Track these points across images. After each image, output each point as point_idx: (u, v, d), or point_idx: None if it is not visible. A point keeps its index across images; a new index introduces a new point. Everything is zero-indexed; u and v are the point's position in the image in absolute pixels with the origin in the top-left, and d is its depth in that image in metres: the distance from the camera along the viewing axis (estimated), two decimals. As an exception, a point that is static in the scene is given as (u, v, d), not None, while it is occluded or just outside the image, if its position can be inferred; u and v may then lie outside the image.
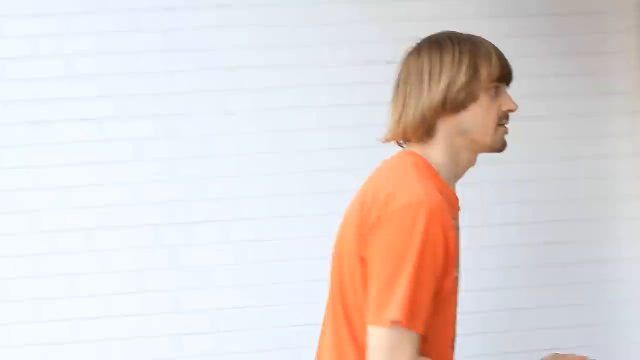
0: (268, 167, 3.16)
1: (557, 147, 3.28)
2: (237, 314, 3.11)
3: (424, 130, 1.81)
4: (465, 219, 3.25)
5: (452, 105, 1.79)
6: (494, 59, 1.80)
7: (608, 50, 3.30)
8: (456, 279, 1.77)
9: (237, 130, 3.15)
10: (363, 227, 1.71)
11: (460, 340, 3.24)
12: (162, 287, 3.09)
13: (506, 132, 1.84)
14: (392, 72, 3.19)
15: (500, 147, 1.84)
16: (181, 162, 3.12)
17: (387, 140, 1.89)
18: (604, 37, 3.31)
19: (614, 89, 3.30)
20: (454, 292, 1.76)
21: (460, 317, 3.21)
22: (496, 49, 1.84)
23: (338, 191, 3.17)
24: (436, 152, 1.83)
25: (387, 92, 3.22)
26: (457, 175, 1.87)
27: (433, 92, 1.80)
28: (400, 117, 1.84)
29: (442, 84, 1.79)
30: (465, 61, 1.79)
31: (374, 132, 3.19)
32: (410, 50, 1.92)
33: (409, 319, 1.62)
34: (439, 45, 1.84)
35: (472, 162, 1.87)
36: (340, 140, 3.18)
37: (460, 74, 1.79)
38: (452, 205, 1.81)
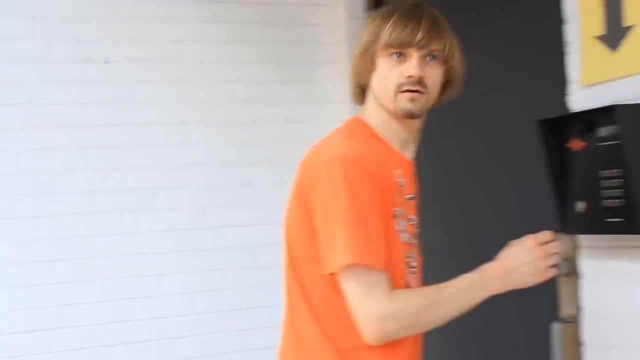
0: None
1: (270, 151, 3.38)
2: None
3: (356, 95, 1.86)
4: (185, 221, 3.27)
5: (358, 72, 1.81)
6: (390, 25, 1.74)
7: (320, 61, 3.46)
8: (409, 223, 1.76)
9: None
10: (302, 197, 1.73)
11: (177, 341, 3.26)
12: None
13: (409, 98, 1.75)
14: (110, 71, 3.15)
15: (402, 113, 1.77)
16: None
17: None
18: (316, 47, 3.46)
19: (325, 97, 3.46)
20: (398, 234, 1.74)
21: (177, 319, 3.23)
22: (403, 15, 1.75)
23: (82, 192, 3.09)
24: (370, 115, 1.83)
25: (104, 91, 3.17)
26: (401, 137, 1.82)
27: (352, 59, 1.84)
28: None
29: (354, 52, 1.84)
30: (369, 29, 1.78)
31: (86, 132, 3.14)
32: None
33: (359, 256, 1.62)
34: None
35: (403, 127, 1.81)
36: (50, 139, 3.08)
37: (361, 42, 1.80)
38: (393, 163, 1.78)
